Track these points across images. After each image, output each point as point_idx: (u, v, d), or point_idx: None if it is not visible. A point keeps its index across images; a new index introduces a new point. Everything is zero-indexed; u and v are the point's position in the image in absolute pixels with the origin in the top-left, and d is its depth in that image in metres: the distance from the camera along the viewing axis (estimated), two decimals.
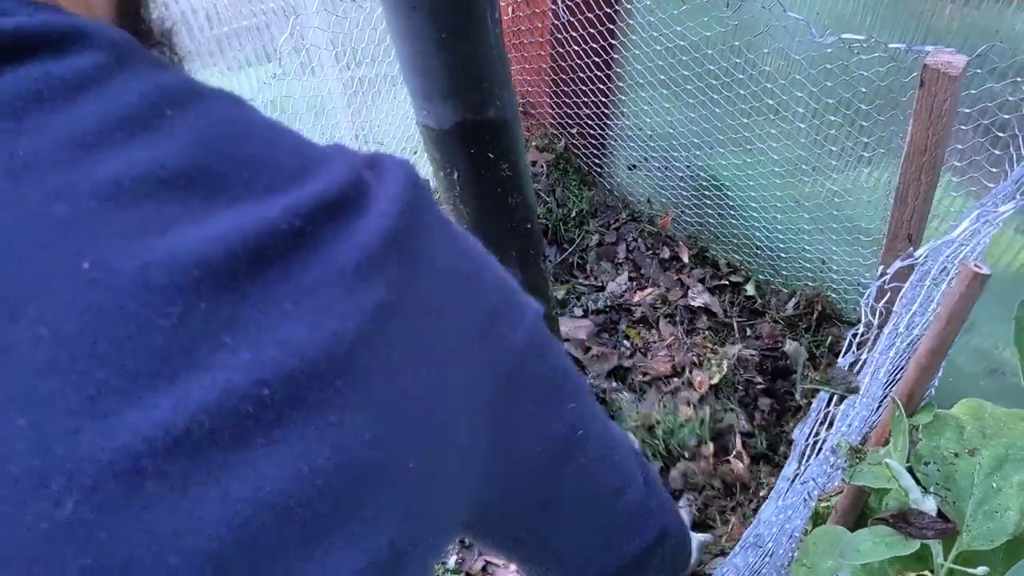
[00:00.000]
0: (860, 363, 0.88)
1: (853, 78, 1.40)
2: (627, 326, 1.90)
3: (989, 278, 0.91)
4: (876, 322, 0.87)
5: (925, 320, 1.03)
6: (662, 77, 1.80)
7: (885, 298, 0.91)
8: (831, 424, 0.85)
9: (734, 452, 1.60)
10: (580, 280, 2.04)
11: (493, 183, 1.11)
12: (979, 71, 1.21)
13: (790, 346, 1.84)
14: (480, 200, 1.14)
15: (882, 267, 0.89)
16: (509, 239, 1.23)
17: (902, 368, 1.11)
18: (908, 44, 1.17)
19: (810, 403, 1.21)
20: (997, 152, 1.25)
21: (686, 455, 1.61)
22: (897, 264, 0.88)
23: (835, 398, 0.85)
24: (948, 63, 1.00)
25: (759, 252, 1.96)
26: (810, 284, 1.89)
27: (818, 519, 1.30)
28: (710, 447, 1.61)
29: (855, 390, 0.84)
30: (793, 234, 1.84)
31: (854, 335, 0.86)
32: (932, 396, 1.46)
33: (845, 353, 0.85)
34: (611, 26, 1.83)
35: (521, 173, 1.14)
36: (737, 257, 2.03)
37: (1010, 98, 1.20)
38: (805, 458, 0.83)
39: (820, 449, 0.87)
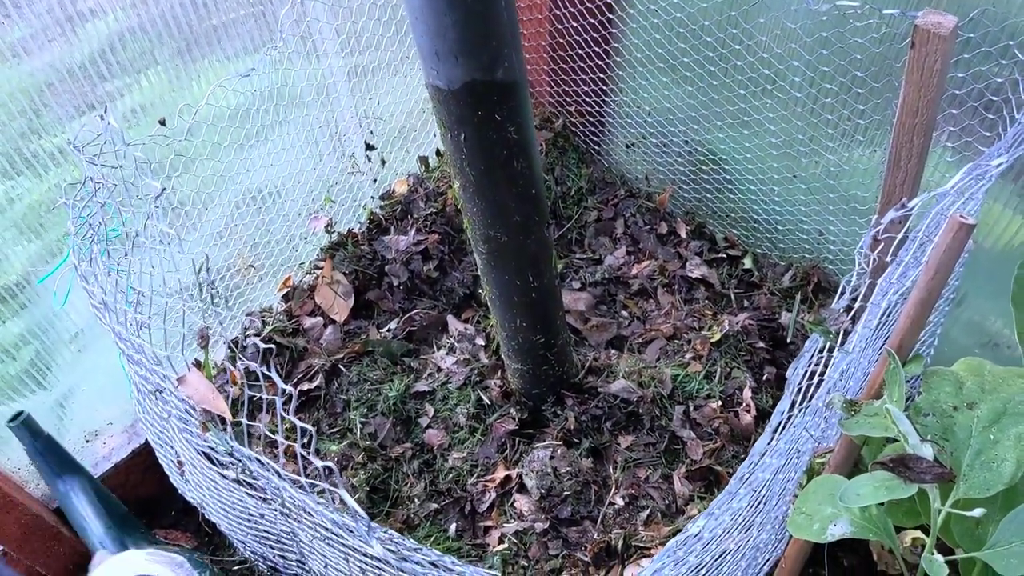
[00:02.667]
0: (854, 309, 0.91)
1: (848, 46, 1.43)
2: (625, 297, 1.94)
3: (974, 229, 0.94)
4: (870, 269, 0.90)
5: (916, 274, 1.06)
6: (659, 51, 1.82)
7: (879, 248, 0.94)
8: (825, 368, 0.88)
9: (743, 406, 1.63)
10: (578, 255, 2.07)
11: (500, 146, 1.14)
12: (972, 35, 1.24)
13: (785, 317, 1.87)
14: (486, 163, 1.17)
15: (876, 216, 0.92)
16: (514, 204, 1.26)
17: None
18: (902, 10, 1.19)
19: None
20: (991, 116, 1.28)
21: (693, 404, 1.65)
22: (891, 214, 0.91)
23: (827, 340, 0.88)
24: (938, 23, 1.03)
25: (756, 226, 1.99)
26: (807, 256, 1.93)
27: (812, 475, 1.34)
28: (718, 401, 1.65)
29: (846, 332, 0.88)
30: (790, 206, 1.87)
31: (848, 281, 0.89)
32: (929, 365, 1.49)
33: (839, 298, 0.88)
34: (609, 0, 1.86)
35: (527, 137, 1.17)
36: (735, 232, 2.07)
37: (1003, 61, 1.23)
38: (800, 397, 0.86)
39: (813, 395, 0.90)
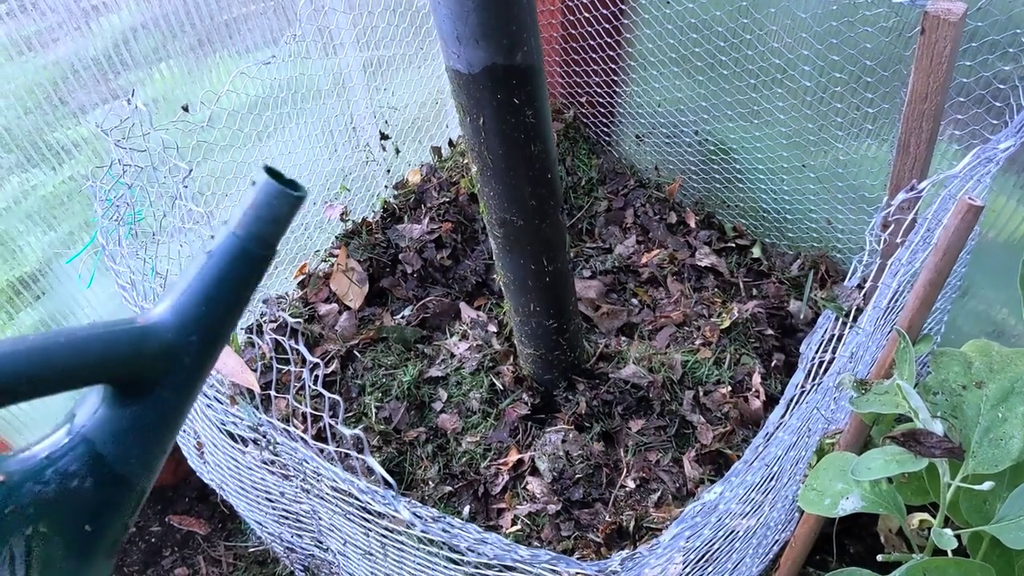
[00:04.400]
0: (865, 289, 0.93)
1: (858, 35, 1.45)
2: (635, 286, 1.96)
3: (983, 210, 0.96)
4: (880, 250, 0.92)
5: (925, 256, 1.08)
6: (670, 42, 1.84)
7: (889, 229, 0.97)
8: (838, 343, 0.90)
9: (752, 391, 1.66)
10: (589, 244, 2.10)
11: (517, 130, 1.16)
12: (980, 24, 1.26)
13: (794, 305, 1.89)
14: (504, 147, 1.19)
15: (887, 198, 0.94)
16: (530, 187, 1.28)
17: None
18: None
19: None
20: (999, 104, 1.31)
21: (703, 390, 1.67)
22: (901, 195, 0.93)
23: (840, 316, 0.91)
24: (948, 10, 1.06)
25: (765, 216, 2.02)
26: (815, 245, 1.95)
27: (823, 455, 1.36)
28: (727, 387, 1.67)
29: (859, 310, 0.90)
30: (799, 196, 1.89)
31: (859, 260, 0.91)
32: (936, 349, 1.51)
33: (851, 275, 0.90)
34: None
35: (544, 121, 1.19)
36: (743, 221, 2.09)
37: (1010, 50, 1.25)
38: (812, 373, 0.88)
39: (827, 369, 0.93)
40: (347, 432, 0.83)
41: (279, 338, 0.91)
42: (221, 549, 2.00)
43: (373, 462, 0.81)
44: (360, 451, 0.84)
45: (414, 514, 0.81)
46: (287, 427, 0.93)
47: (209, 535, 2.02)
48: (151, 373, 0.42)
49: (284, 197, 0.47)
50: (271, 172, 0.48)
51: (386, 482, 0.83)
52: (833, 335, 0.93)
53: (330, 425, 0.85)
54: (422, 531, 0.82)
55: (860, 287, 0.92)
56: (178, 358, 0.43)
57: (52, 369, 0.38)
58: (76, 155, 1.58)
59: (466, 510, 1.63)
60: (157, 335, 0.42)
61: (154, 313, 0.44)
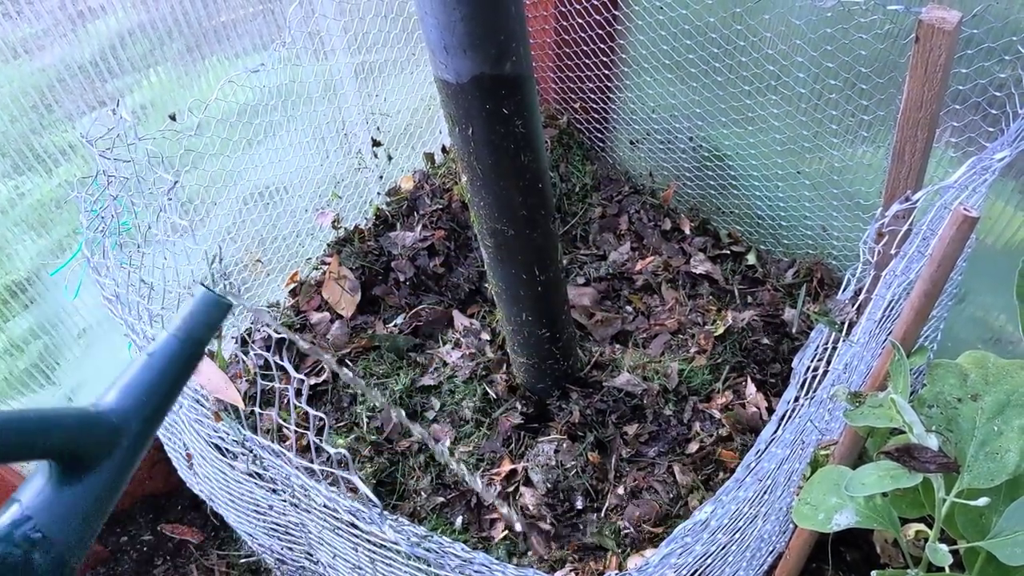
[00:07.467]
0: (859, 301, 0.92)
1: (853, 42, 1.44)
2: (629, 293, 1.95)
3: (978, 220, 0.95)
4: (874, 261, 0.91)
5: (920, 267, 1.07)
6: (664, 48, 1.83)
7: (883, 241, 0.96)
8: (832, 354, 0.89)
9: (747, 399, 1.65)
10: (583, 251, 2.08)
11: (507, 140, 1.15)
12: (976, 31, 1.25)
13: (789, 313, 1.88)
14: (494, 157, 1.18)
15: (881, 208, 0.93)
16: (520, 197, 1.27)
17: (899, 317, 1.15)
18: (906, 6, 1.21)
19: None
20: (994, 112, 1.29)
21: (699, 398, 1.66)
22: (895, 207, 0.92)
23: (832, 330, 0.89)
24: (942, 19, 1.04)
25: (760, 222, 2.00)
26: (810, 252, 1.94)
27: (816, 467, 1.35)
28: (725, 395, 1.66)
29: (852, 323, 0.89)
30: (794, 202, 1.88)
31: (852, 273, 0.90)
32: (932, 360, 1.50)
33: (844, 289, 0.89)
34: None
35: (534, 131, 1.18)
36: (738, 228, 2.08)
37: (1006, 57, 1.24)
38: (805, 388, 0.87)
39: (820, 382, 0.91)
40: (332, 451, 0.81)
41: (264, 354, 0.89)
42: (214, 558, 1.99)
43: (358, 481, 0.80)
44: (345, 467, 0.82)
45: (399, 533, 0.80)
46: (272, 443, 0.91)
47: (202, 544, 2.01)
48: (95, 452, 0.47)
49: (219, 306, 0.56)
50: (206, 287, 0.58)
51: (371, 500, 0.81)
52: (826, 348, 0.92)
53: (316, 444, 0.83)
54: (407, 550, 0.80)
55: (853, 300, 0.91)
56: (119, 441, 0.48)
57: (11, 436, 0.42)
58: (65, 161, 1.57)
59: (459, 521, 1.62)
60: (104, 420, 0.48)
61: (104, 400, 0.50)
